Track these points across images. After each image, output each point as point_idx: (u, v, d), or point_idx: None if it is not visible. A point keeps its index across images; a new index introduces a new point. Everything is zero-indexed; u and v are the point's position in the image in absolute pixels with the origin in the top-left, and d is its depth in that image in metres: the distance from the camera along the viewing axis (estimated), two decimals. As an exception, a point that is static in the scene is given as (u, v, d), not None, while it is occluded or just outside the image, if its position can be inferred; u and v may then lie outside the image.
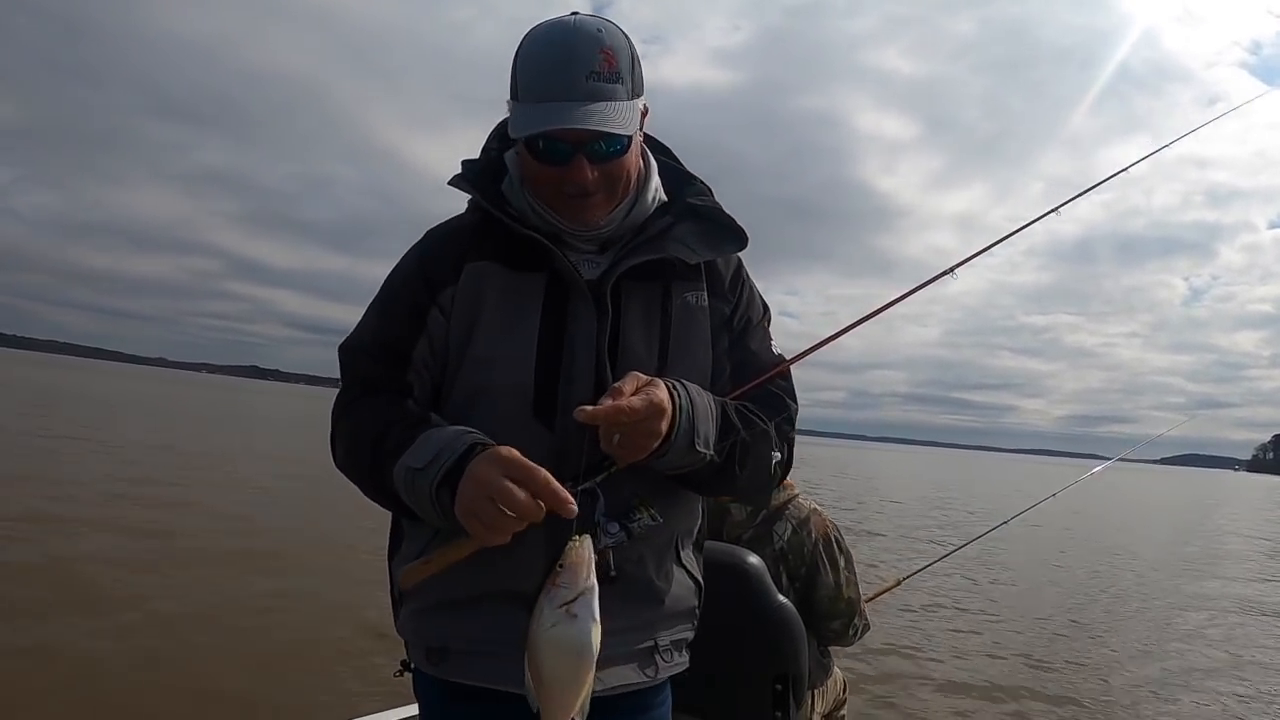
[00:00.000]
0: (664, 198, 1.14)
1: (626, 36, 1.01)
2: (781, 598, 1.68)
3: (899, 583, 2.71)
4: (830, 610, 1.97)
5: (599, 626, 0.85)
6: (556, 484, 0.86)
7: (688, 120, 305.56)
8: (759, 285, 1.21)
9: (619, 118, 0.98)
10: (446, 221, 1.13)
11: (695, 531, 1.19)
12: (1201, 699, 5.18)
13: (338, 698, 3.93)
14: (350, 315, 1.05)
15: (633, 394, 0.90)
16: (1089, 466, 3.68)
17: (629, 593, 1.05)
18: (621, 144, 1.01)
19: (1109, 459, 3.79)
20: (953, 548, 3.28)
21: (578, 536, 0.88)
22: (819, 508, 2.05)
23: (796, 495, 2.04)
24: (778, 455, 1.11)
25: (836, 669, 2.11)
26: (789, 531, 1.97)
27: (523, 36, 1.02)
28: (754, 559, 1.70)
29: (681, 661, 1.15)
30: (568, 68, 0.96)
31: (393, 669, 1.23)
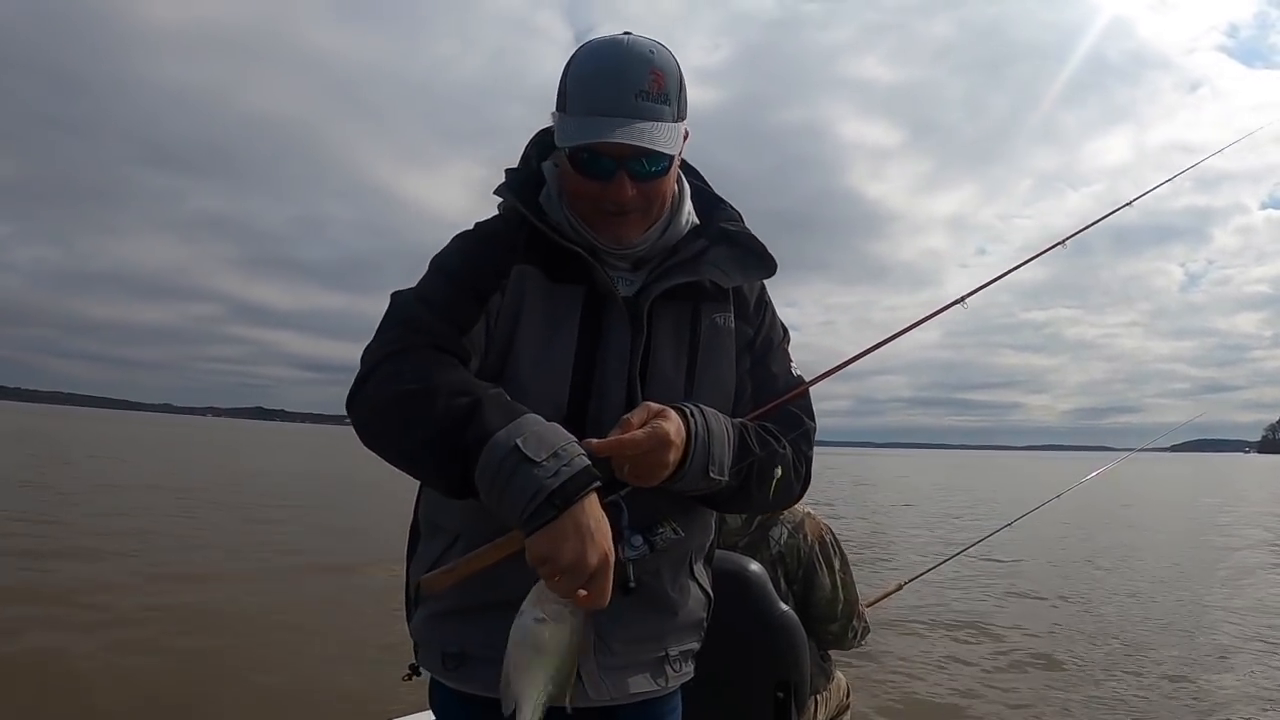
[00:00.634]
0: (696, 220, 1.16)
1: (676, 61, 1.03)
2: (784, 605, 1.67)
3: (900, 587, 2.67)
4: (828, 612, 1.97)
5: (562, 627, 0.87)
6: (610, 580, 0.87)
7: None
8: None
9: (664, 138, 0.99)
10: (488, 221, 1.13)
11: (708, 546, 1.21)
12: None
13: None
14: (352, 352, 1.02)
15: (640, 426, 0.92)
16: (1102, 460, 3.64)
17: (645, 604, 1.08)
18: (663, 164, 1.02)
19: (1118, 450, 3.75)
20: (955, 550, 3.25)
21: None
22: (813, 511, 2.05)
23: None
24: (779, 471, 1.10)
25: (839, 674, 2.10)
26: (785, 535, 1.98)
27: (575, 50, 1.05)
28: (755, 566, 1.70)
29: (688, 671, 1.18)
30: (618, 84, 0.98)
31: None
